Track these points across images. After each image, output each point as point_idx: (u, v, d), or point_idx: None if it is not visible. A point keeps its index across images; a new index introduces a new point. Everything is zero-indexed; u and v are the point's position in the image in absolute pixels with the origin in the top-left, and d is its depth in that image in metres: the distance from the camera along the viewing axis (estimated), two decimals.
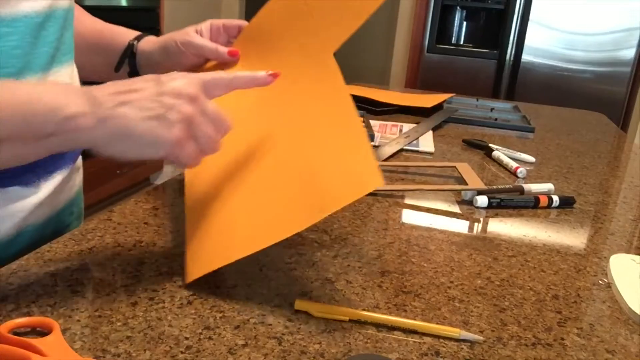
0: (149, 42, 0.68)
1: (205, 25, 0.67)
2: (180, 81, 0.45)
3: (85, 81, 0.67)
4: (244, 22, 0.67)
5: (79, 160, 0.66)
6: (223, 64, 0.65)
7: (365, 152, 0.45)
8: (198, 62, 0.66)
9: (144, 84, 0.44)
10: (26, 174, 0.54)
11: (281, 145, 0.52)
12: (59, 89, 0.42)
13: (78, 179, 0.66)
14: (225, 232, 0.49)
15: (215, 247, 0.48)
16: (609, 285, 0.53)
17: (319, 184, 0.46)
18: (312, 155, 0.48)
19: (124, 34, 0.69)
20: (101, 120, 0.41)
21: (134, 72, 0.68)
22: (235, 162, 0.54)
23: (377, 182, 0.42)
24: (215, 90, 0.48)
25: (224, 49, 0.64)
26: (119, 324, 0.41)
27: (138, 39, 0.68)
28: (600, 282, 0.54)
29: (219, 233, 0.49)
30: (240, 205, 0.49)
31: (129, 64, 0.68)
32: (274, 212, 0.47)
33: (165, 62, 0.66)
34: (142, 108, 0.42)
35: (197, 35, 0.65)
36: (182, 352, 0.38)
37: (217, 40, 0.66)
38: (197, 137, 0.45)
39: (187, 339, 0.40)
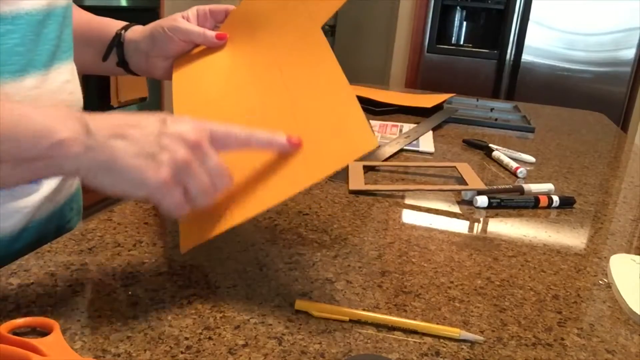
0: (136, 31, 0.68)
1: (191, 11, 0.67)
2: (185, 125, 0.43)
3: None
4: (230, 7, 0.68)
5: None
6: (211, 49, 0.65)
7: (357, 116, 0.45)
8: (186, 48, 0.66)
9: (148, 121, 0.43)
10: None
11: (273, 113, 0.52)
12: (56, 113, 0.40)
13: None
14: (219, 198, 0.47)
15: (209, 214, 0.48)
16: (609, 285, 0.53)
17: (313, 147, 0.46)
18: (305, 122, 0.49)
19: (112, 25, 0.70)
20: (89, 148, 0.39)
21: (122, 62, 0.69)
22: None
23: (371, 143, 0.42)
24: (227, 143, 0.46)
25: (211, 33, 0.64)
26: (119, 324, 0.41)
27: (125, 28, 0.69)
28: (600, 282, 0.54)
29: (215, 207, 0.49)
30: (234, 171, 0.48)
31: (117, 53, 0.68)
32: (268, 177, 0.47)
33: (153, 50, 0.66)
34: (135, 144, 0.41)
35: (184, 20, 0.66)
36: (182, 352, 0.38)
37: (204, 25, 0.67)
38: (188, 186, 0.43)
39: (187, 339, 0.40)
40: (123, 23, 0.70)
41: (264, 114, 0.53)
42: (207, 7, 0.67)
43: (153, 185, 0.41)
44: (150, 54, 0.66)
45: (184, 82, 0.63)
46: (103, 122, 0.41)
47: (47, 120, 0.39)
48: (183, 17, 0.66)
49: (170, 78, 0.66)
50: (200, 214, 0.48)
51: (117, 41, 0.68)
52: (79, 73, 0.64)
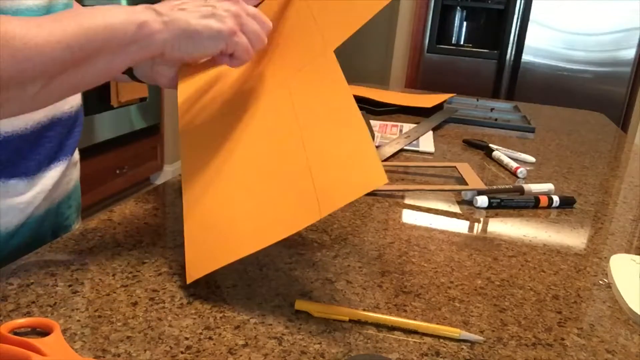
0: None
1: None
2: None
3: None
4: None
5: (76, 154, 0.67)
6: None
7: (368, 150, 0.45)
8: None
9: None
10: (27, 164, 0.55)
11: (283, 142, 0.51)
12: (125, 8, 0.48)
13: (75, 173, 0.67)
14: (226, 230, 0.48)
15: (215, 246, 0.48)
16: (609, 285, 0.53)
17: (321, 181, 0.45)
18: (315, 152, 0.48)
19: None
20: (166, 23, 0.48)
21: (127, 69, 0.68)
22: (236, 158, 0.54)
23: (381, 180, 0.42)
24: None
25: None
26: (119, 324, 0.41)
27: None
28: (600, 282, 0.54)
29: (219, 231, 0.49)
30: (241, 202, 0.49)
31: None
32: (275, 209, 0.47)
33: (157, 59, 0.65)
34: (195, 11, 0.49)
35: None
36: (182, 352, 0.38)
37: None
38: (246, 32, 0.51)
39: (187, 339, 0.40)
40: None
41: (271, 136, 0.52)
42: None
43: (227, 35, 0.50)
44: (156, 61, 0.66)
45: (190, 91, 0.62)
46: (161, 6, 0.49)
47: (124, 11, 0.47)
48: None
49: (175, 86, 0.66)
50: (207, 244, 0.48)
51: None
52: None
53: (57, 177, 0.60)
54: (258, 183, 0.50)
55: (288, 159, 0.49)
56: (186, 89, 0.63)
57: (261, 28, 0.53)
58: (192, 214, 0.54)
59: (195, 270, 0.47)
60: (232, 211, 0.50)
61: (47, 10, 0.54)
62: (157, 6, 0.49)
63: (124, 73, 0.69)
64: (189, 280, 0.47)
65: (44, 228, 0.60)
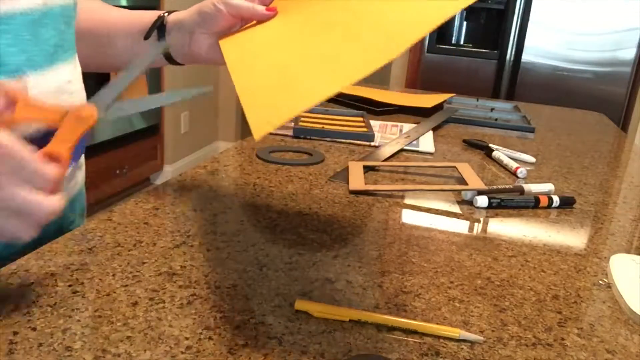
0: (179, 14, 0.69)
1: None
2: None
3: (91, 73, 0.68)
4: None
5: (82, 157, 0.66)
6: (260, 23, 0.65)
7: None
8: (233, 24, 0.66)
9: None
10: None
11: (334, 14, 0.49)
12: None
13: (80, 176, 0.66)
14: (291, 76, 0.44)
15: (284, 94, 0.43)
16: (609, 286, 0.53)
17: (390, 23, 0.42)
18: (376, 10, 0.46)
19: (151, 13, 0.70)
20: None
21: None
22: (288, 24, 0.53)
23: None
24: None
25: (261, 7, 0.64)
26: (119, 324, 0.41)
27: (169, 12, 0.69)
28: (600, 282, 0.54)
29: (284, 78, 0.44)
30: (299, 51, 0.45)
31: (158, 37, 0.68)
32: (348, 48, 0.43)
33: (199, 26, 0.65)
34: None
35: None
36: (182, 352, 0.38)
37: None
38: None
39: (187, 339, 0.40)
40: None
41: (321, 14, 0.50)
42: None
43: None
44: (196, 30, 0.66)
45: (236, 44, 0.61)
46: None
47: None
48: None
49: (213, 59, 0.66)
50: (269, 94, 0.44)
51: (159, 23, 0.68)
52: (104, 70, 0.63)
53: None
54: (316, 37, 0.47)
55: (347, 19, 0.47)
56: (231, 43, 0.62)
57: (34, 191, 0.38)
58: (245, 62, 0.49)
59: (264, 123, 0.41)
60: (292, 60, 0.46)
61: (43, 14, 0.52)
62: None
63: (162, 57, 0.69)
64: (257, 137, 0.40)
65: (48, 231, 0.60)
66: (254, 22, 0.64)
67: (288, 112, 0.40)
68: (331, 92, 0.40)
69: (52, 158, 0.40)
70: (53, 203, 0.39)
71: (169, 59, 0.70)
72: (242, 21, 0.67)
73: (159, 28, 0.68)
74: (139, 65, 0.51)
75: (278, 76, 0.45)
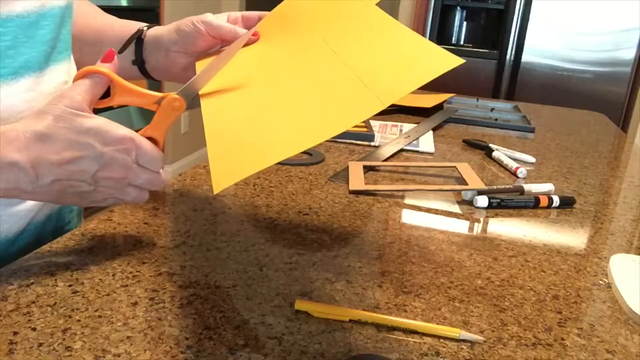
0: (159, 29, 0.67)
1: (222, 15, 0.66)
2: (113, 134, 0.48)
3: None
4: (264, 13, 0.66)
5: None
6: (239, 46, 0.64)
7: (424, 42, 0.42)
8: (212, 46, 0.65)
9: (86, 151, 0.46)
10: None
11: (318, 64, 0.48)
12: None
13: None
14: (261, 132, 0.43)
15: (249, 147, 0.43)
16: (609, 285, 0.53)
17: (375, 80, 0.41)
18: (361, 65, 0.44)
19: (135, 24, 0.69)
20: (35, 192, 0.45)
21: (138, 60, 0.67)
22: (265, 77, 0.51)
23: (455, 60, 0.38)
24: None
25: (242, 30, 0.63)
26: (119, 324, 0.41)
27: (149, 27, 0.68)
28: (600, 282, 0.54)
29: (251, 134, 0.44)
30: (274, 108, 0.45)
31: (135, 50, 0.66)
32: (326, 106, 0.42)
33: (176, 44, 0.64)
34: (75, 185, 0.46)
35: (214, 16, 0.65)
36: (182, 352, 0.38)
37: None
38: (135, 184, 0.49)
39: (187, 339, 0.40)
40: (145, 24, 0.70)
41: (304, 63, 0.49)
42: (239, 13, 0.66)
43: (106, 205, 0.50)
44: (172, 48, 0.64)
45: (213, 87, 0.60)
46: (44, 168, 0.44)
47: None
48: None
49: (184, 80, 0.64)
50: (235, 149, 0.44)
51: (137, 37, 0.66)
52: None
53: None
54: (293, 92, 0.46)
55: (326, 75, 0.46)
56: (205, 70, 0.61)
57: (152, 172, 0.49)
58: (215, 114, 0.50)
59: (224, 178, 0.42)
60: (264, 115, 0.46)
61: (40, 15, 0.52)
62: (37, 160, 0.44)
63: (133, 64, 0.68)
64: (216, 190, 0.41)
65: (45, 233, 0.60)
66: (233, 66, 0.59)
67: (251, 167, 0.41)
68: (298, 150, 0.40)
69: (152, 142, 0.49)
70: (165, 178, 0.51)
71: (145, 73, 0.68)
72: (223, 43, 0.65)
73: (137, 41, 0.66)
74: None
75: (246, 130, 0.45)
